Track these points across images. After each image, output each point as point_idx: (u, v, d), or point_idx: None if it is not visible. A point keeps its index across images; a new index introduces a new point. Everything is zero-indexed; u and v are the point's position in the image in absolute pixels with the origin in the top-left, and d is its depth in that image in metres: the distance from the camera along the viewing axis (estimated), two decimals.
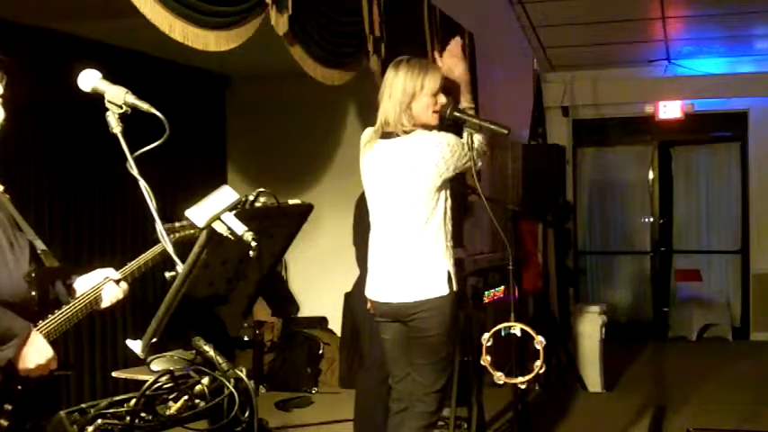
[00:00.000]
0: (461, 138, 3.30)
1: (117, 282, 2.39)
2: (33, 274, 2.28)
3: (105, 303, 2.38)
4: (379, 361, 3.90)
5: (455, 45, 3.60)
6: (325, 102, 6.33)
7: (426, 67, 3.32)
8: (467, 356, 4.43)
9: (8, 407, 2.15)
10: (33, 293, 2.25)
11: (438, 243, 3.28)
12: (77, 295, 2.36)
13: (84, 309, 2.32)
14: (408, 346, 3.39)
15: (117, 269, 2.45)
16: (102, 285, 2.37)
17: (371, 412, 4.22)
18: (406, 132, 3.27)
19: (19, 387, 2.17)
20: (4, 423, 2.14)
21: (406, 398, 3.47)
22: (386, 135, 3.32)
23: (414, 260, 3.27)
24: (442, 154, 3.23)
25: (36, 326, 2.21)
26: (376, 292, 3.41)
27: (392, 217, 3.34)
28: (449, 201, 3.33)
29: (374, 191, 3.41)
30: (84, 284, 2.40)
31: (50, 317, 2.24)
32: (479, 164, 3.40)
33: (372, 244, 3.44)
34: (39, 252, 2.37)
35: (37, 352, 2.16)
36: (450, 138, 3.28)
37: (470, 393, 4.50)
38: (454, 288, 3.30)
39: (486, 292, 4.85)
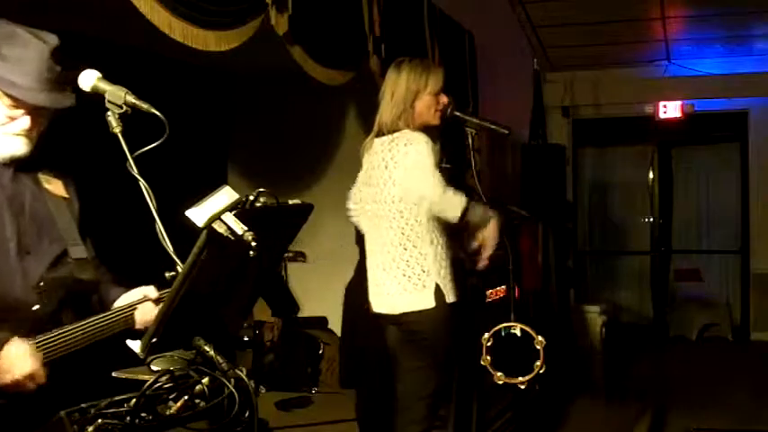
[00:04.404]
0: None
1: (156, 301, 2.16)
2: (42, 284, 2.04)
3: (139, 325, 2.14)
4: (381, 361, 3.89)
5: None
6: (326, 102, 6.33)
7: (428, 66, 3.30)
8: (467, 357, 4.44)
9: None
10: (37, 307, 2.01)
11: (424, 255, 3.08)
12: (104, 313, 2.11)
13: (105, 329, 2.07)
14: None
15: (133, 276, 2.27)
16: (136, 305, 2.15)
17: (374, 411, 4.22)
18: (395, 131, 3.14)
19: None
20: None
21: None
22: (379, 135, 3.24)
23: (396, 271, 3.09)
24: (412, 157, 3.05)
25: (34, 339, 1.95)
26: (371, 297, 3.29)
27: (375, 223, 3.20)
28: None
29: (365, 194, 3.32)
30: (124, 303, 2.19)
31: (55, 332, 1.98)
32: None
33: (367, 249, 3.34)
34: (69, 261, 2.12)
35: (9, 366, 1.88)
36: (424, 143, 3.06)
37: (470, 393, 4.50)
38: (446, 300, 3.09)
39: (486, 292, 4.84)
